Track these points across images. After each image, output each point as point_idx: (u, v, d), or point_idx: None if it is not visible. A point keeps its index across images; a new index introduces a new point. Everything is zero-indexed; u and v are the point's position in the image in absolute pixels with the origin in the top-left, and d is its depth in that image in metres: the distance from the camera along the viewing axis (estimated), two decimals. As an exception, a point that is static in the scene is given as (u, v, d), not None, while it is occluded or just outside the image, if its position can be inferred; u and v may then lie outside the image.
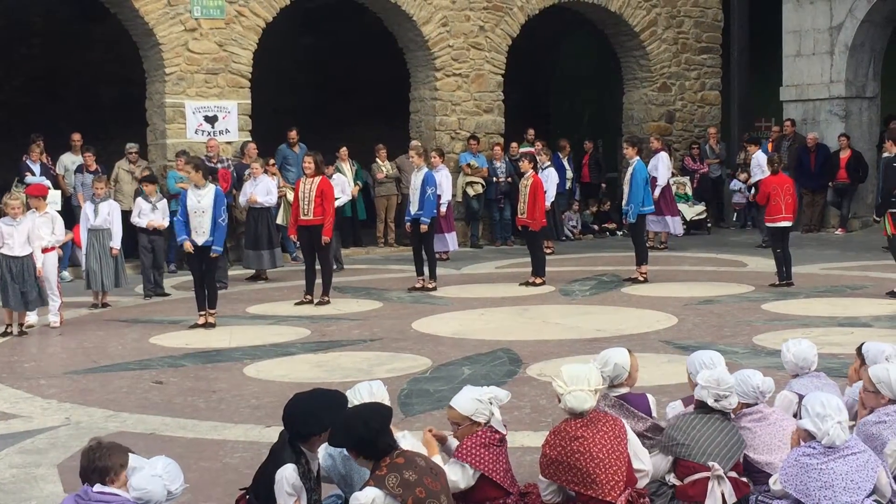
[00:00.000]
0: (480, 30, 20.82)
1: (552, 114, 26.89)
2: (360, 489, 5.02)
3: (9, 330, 12.33)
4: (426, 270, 14.91)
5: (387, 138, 20.69)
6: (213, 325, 12.38)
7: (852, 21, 20.53)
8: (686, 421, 5.94)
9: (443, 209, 16.61)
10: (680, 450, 5.86)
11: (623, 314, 12.71)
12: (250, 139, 18.57)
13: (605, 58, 23.94)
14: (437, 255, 15.82)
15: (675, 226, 18.83)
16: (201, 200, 12.47)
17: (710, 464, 5.74)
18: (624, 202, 15.45)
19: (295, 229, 14.14)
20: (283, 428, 5.51)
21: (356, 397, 5.71)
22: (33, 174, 17.39)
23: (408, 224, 14.98)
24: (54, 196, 16.35)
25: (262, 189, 16.62)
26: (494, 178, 20.27)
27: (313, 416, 5.40)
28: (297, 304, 13.83)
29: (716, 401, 5.89)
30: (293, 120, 19.88)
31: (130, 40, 18.94)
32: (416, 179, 14.93)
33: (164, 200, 15.56)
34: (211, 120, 18.63)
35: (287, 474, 5.28)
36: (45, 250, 12.70)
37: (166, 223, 15.16)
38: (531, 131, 21.42)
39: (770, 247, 15.25)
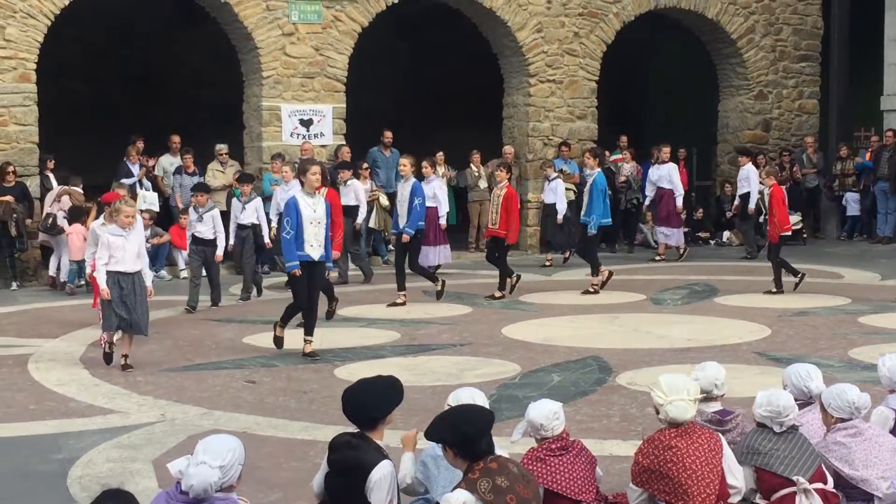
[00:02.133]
0: (575, 36, 20.75)
1: (646, 121, 26.69)
2: (452, 490, 5.03)
3: (107, 350, 10.76)
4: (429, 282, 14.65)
5: (481, 143, 20.73)
6: (313, 356, 10.96)
7: (957, 29, 20.07)
8: (763, 434, 5.89)
9: (442, 221, 16.52)
10: (759, 458, 5.80)
11: (715, 324, 12.58)
12: (344, 143, 18.75)
13: (700, 65, 23.69)
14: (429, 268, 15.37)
15: (680, 237, 19.13)
16: (316, 210, 10.87)
17: (795, 478, 5.68)
18: (583, 213, 15.24)
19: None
20: (338, 434, 5.52)
21: (457, 401, 5.73)
22: (132, 175, 17.75)
23: (393, 236, 14.08)
24: (152, 198, 16.71)
25: (349, 194, 16.49)
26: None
27: (381, 397, 5.44)
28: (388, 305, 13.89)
29: (780, 426, 5.83)
30: (387, 124, 20.02)
31: (229, 44, 19.25)
32: (404, 190, 14.26)
33: (259, 199, 15.45)
34: (306, 123, 18.84)
35: (389, 471, 5.24)
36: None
37: (259, 220, 15.06)
38: (624, 138, 21.30)
39: (754, 257, 15.07)
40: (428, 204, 14.95)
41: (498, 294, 14.61)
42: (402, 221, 14.08)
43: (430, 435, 5.20)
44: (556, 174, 18.42)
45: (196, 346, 11.69)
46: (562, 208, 18.18)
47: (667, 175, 19.03)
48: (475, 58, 22.11)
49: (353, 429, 5.52)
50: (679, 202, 18.91)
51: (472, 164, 20.17)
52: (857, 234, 21.49)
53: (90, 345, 11.63)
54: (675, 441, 5.64)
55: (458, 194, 21.02)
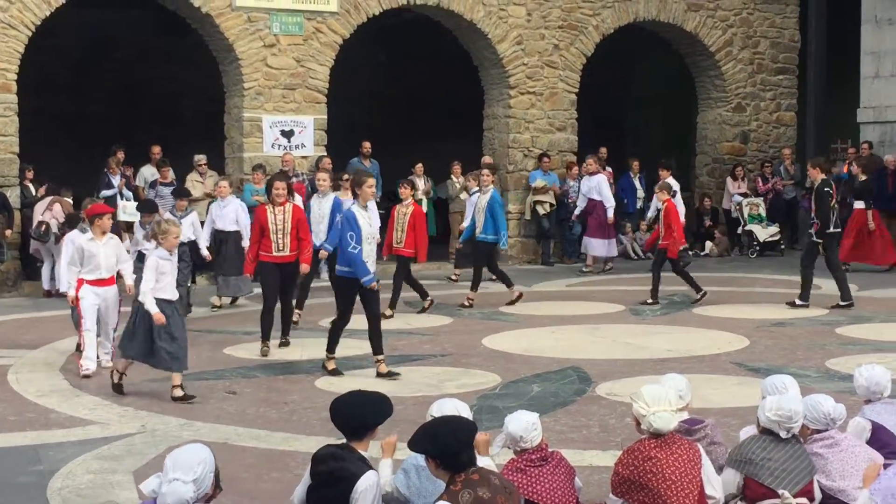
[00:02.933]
0: (555, 48, 20.82)
1: (626, 133, 26.79)
2: (434, 502, 5.03)
3: (117, 381, 10.08)
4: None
5: (461, 154, 20.76)
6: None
7: (932, 43, 20.22)
8: (758, 443, 5.89)
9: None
10: (750, 468, 5.81)
11: (693, 335, 12.62)
12: (325, 154, 18.74)
13: (679, 77, 23.80)
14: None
15: (612, 249, 19.19)
16: (371, 224, 10.73)
17: (781, 491, 5.69)
18: (479, 230, 14.94)
19: (254, 267, 12.19)
20: (322, 446, 5.51)
21: (441, 412, 5.72)
22: (112, 187, 17.70)
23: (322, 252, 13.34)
24: (132, 208, 16.65)
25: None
26: (567, 199, 20.19)
27: (369, 408, 5.45)
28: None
29: (788, 431, 5.84)
30: (368, 135, 20.03)
31: (211, 55, 19.24)
32: (322, 206, 13.98)
33: (194, 213, 14.81)
34: (287, 134, 18.84)
35: (374, 481, 5.24)
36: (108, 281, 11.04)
37: (192, 236, 14.26)
38: (603, 150, 21.36)
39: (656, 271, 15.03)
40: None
41: (389, 313, 13.90)
42: (317, 240, 13.40)
43: (412, 446, 5.20)
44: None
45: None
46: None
47: (596, 186, 19.01)
48: (456, 70, 22.15)
49: (336, 441, 5.52)
50: (610, 213, 18.84)
51: (452, 176, 20.20)
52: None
53: (70, 355, 11.57)
54: (655, 452, 5.65)
55: (438, 205, 21.04)
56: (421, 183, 19.29)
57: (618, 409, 8.97)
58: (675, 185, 16.29)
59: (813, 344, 11.91)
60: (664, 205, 15.05)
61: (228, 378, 10.57)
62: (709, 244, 21.67)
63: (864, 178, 18.43)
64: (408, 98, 24.61)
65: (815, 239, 14.35)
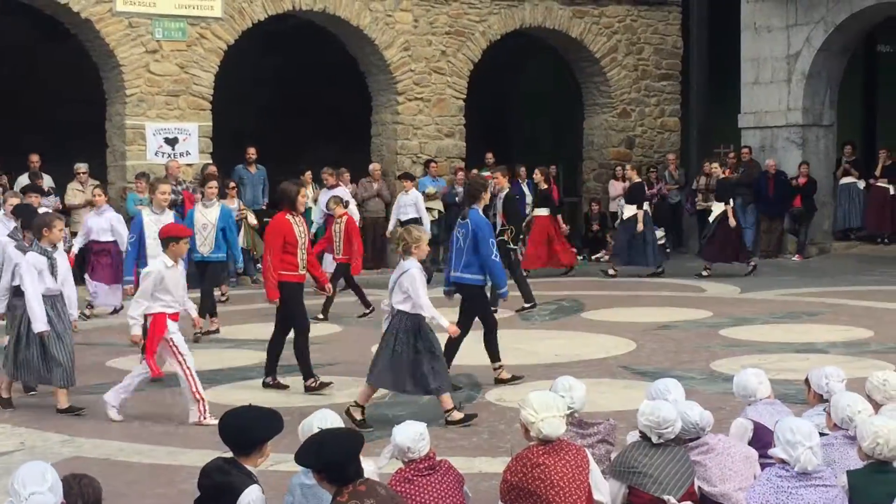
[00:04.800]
0: (442, 54, 20.90)
1: (513, 138, 26.99)
2: None
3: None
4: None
5: (350, 161, 20.70)
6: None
7: (809, 50, 20.78)
8: (640, 450, 5.95)
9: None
10: (634, 478, 5.86)
11: (581, 339, 12.75)
12: (211, 162, 18.52)
13: (566, 83, 24.08)
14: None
15: None
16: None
17: (667, 497, 5.75)
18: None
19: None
20: (211, 460, 5.45)
21: (310, 428, 5.65)
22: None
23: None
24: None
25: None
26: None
27: (259, 423, 5.41)
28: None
29: (659, 437, 5.90)
30: (254, 142, 19.86)
31: (91, 61, 18.87)
32: (209, 214, 13.74)
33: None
34: (171, 142, 18.58)
35: (258, 495, 5.20)
36: None
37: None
38: (489, 155, 21.49)
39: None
40: None
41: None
42: (202, 248, 13.35)
43: (297, 459, 5.16)
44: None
45: (58, 371, 11.35)
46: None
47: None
48: (342, 76, 22.08)
49: (223, 454, 5.46)
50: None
51: (341, 183, 20.05)
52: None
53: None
54: (543, 458, 5.67)
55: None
56: (309, 191, 19.12)
57: (507, 415, 9.01)
58: (347, 196, 16.30)
59: (698, 346, 12.13)
60: (342, 219, 14.71)
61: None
62: (603, 250, 21.74)
63: (724, 175, 18.84)
64: (294, 104, 24.44)
65: (511, 246, 14.61)
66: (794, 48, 20.99)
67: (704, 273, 18.30)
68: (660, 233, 21.81)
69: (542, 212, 18.55)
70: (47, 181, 17.87)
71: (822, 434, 6.16)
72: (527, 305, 14.75)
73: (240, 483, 5.24)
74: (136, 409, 9.62)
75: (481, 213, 10.58)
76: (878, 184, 21.06)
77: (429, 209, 20.00)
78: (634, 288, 17.40)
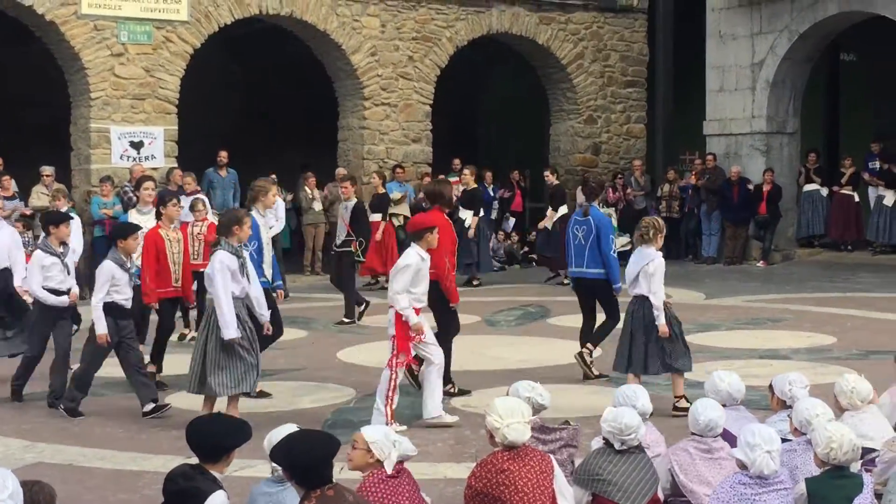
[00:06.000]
0: (409, 60, 20.88)
1: (481, 144, 27.02)
2: None
3: None
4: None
5: (315, 165, 20.65)
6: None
7: (773, 58, 20.92)
8: (604, 457, 5.95)
9: None
10: (598, 486, 5.86)
11: (548, 345, 12.74)
12: (176, 165, 18.41)
13: (532, 89, 24.12)
14: None
15: None
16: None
17: None
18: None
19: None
20: (176, 465, 5.41)
21: (270, 443, 5.61)
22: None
23: None
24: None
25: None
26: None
27: (227, 431, 5.39)
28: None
29: (622, 443, 5.91)
30: (222, 146, 19.75)
31: (56, 64, 18.73)
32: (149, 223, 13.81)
33: None
34: (136, 146, 18.46)
35: (223, 501, 5.17)
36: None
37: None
38: (457, 161, 21.49)
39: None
40: None
41: (347, 320, 14.44)
42: None
43: (271, 455, 5.15)
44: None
45: (20, 376, 11.23)
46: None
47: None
48: (310, 80, 22.03)
49: (188, 459, 5.43)
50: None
51: (306, 187, 20.02)
52: (683, 254, 22.09)
53: None
54: (508, 464, 5.66)
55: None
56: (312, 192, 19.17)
57: (472, 421, 8.99)
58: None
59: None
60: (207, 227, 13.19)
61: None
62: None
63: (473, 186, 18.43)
64: (263, 108, 24.36)
65: (358, 258, 14.57)
66: (759, 56, 21.13)
67: (566, 282, 18.19)
68: (625, 239, 21.91)
69: (376, 217, 17.05)
70: (12, 185, 17.70)
71: (785, 440, 6.20)
72: (346, 320, 14.43)
73: (205, 489, 5.22)
74: (98, 415, 9.53)
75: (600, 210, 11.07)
76: (843, 191, 21.20)
77: (395, 215, 19.97)
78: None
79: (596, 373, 10.85)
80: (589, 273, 10.92)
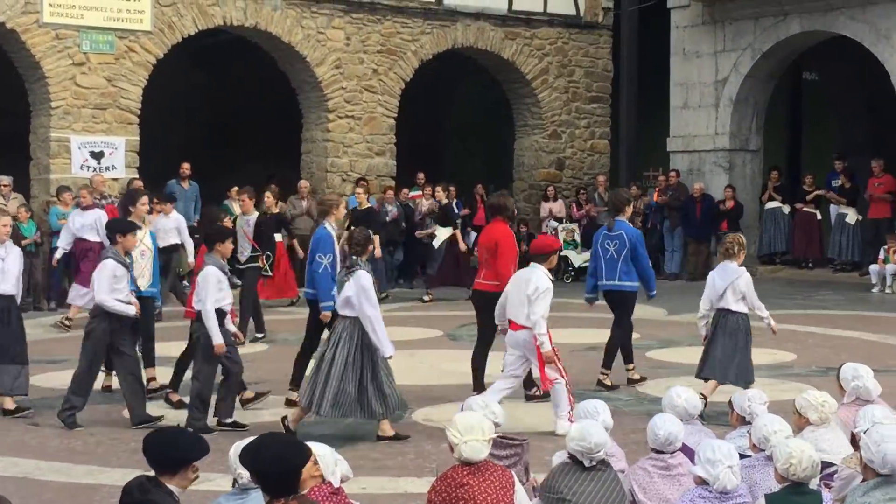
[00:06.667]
0: (374, 73, 20.90)
1: (445, 158, 27.04)
2: None
3: None
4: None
5: (279, 178, 20.56)
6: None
7: (737, 76, 21.10)
8: (568, 475, 5.92)
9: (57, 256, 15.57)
10: (562, 505, 5.86)
11: (510, 360, 12.71)
12: (137, 176, 18.30)
13: (497, 104, 24.19)
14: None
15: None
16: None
17: None
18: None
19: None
20: (133, 478, 5.38)
21: (236, 451, 5.54)
22: None
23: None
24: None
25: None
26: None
27: (183, 443, 5.37)
28: None
29: (590, 461, 5.91)
30: (184, 157, 19.66)
31: (15, 72, 18.59)
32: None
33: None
34: (97, 156, 18.34)
35: None
36: None
37: None
38: (421, 175, 21.51)
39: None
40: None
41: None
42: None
43: (240, 457, 5.09)
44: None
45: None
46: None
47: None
48: (273, 91, 22.00)
49: (145, 472, 5.40)
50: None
51: (265, 198, 19.87)
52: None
53: None
54: (468, 479, 5.66)
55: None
56: (237, 207, 18.99)
57: (434, 435, 8.99)
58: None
59: (624, 367, 12.16)
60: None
61: (32, 408, 10.13)
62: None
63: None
64: (225, 120, 24.29)
65: (265, 273, 14.51)
66: (722, 74, 21.31)
67: (426, 299, 18.20)
68: (587, 254, 21.97)
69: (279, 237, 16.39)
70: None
71: (744, 456, 6.24)
72: (259, 335, 14.33)
73: (161, 502, 5.18)
74: (55, 427, 9.44)
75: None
76: (806, 209, 21.39)
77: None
78: (562, 309, 17.44)
79: (637, 377, 11.40)
80: (624, 286, 11.25)
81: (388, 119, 21.13)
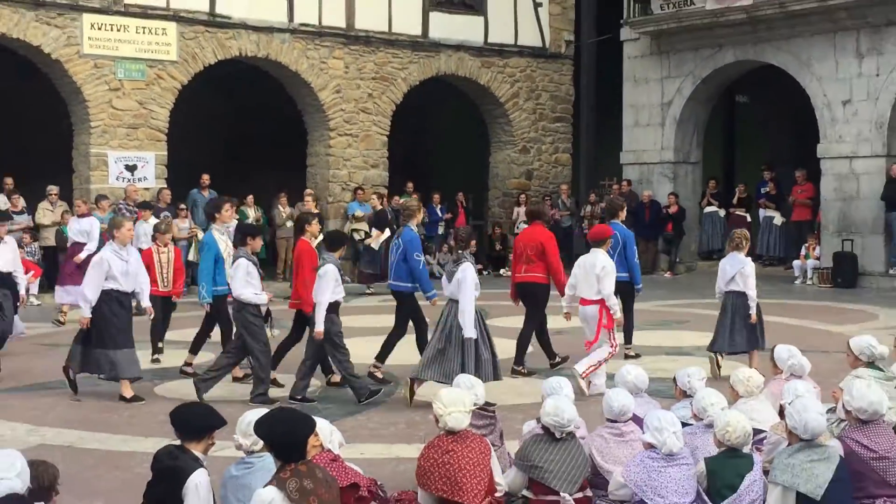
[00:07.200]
0: (369, 97, 20.89)
1: (431, 170, 27.02)
2: (264, 486, 4.91)
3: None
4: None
5: (288, 187, 20.56)
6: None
7: (680, 99, 21.16)
8: (540, 445, 5.93)
9: (82, 256, 14.26)
10: (535, 472, 5.86)
11: (487, 343, 12.70)
12: (165, 186, 18.28)
13: (474, 123, 24.20)
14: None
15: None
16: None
17: (563, 495, 5.76)
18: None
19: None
20: (163, 446, 5.37)
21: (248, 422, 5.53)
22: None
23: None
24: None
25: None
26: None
27: (202, 414, 5.39)
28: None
29: (561, 433, 5.93)
30: (205, 169, 19.62)
31: (60, 97, 18.52)
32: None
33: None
34: (131, 168, 18.29)
35: (204, 479, 5.12)
36: None
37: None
38: (410, 184, 21.50)
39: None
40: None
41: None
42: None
43: (255, 427, 5.10)
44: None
45: (26, 370, 11.05)
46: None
47: (87, 228, 15.00)
48: (282, 113, 21.96)
49: (172, 441, 5.40)
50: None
51: (279, 206, 19.96)
52: None
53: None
54: (452, 446, 5.69)
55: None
56: (251, 212, 19.01)
57: (422, 408, 8.99)
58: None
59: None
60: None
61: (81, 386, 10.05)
62: (504, 269, 21.81)
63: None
64: (241, 137, 24.24)
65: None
66: (668, 97, 21.36)
67: (368, 291, 18.18)
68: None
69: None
70: (20, 202, 17.49)
71: (686, 424, 6.27)
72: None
73: (187, 466, 5.21)
74: (96, 403, 9.42)
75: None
76: (737, 212, 21.47)
77: (355, 230, 19.94)
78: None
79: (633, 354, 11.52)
80: (621, 278, 11.12)
81: (382, 136, 21.12)
